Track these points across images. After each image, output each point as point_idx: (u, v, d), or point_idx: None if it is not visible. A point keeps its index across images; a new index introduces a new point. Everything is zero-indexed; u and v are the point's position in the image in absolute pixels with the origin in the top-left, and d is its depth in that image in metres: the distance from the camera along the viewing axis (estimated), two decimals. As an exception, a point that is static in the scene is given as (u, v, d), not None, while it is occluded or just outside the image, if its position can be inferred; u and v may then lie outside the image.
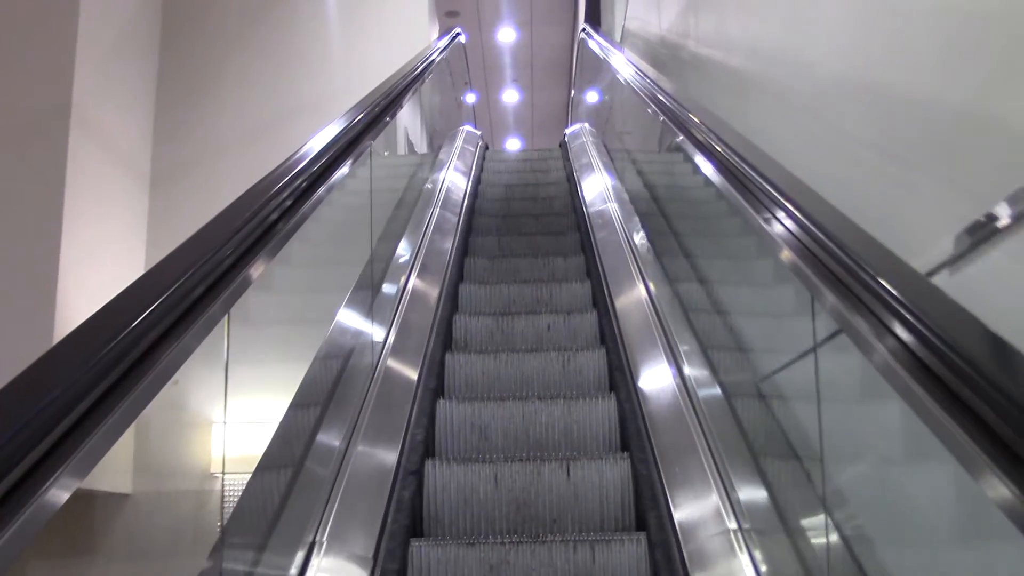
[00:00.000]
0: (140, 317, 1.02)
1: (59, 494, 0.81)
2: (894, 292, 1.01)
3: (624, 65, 4.08)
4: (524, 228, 4.12)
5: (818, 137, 2.37)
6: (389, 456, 2.07)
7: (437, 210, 3.96)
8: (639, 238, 3.39)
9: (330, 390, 1.99)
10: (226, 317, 1.28)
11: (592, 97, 6.82)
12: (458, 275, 3.51)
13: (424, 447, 2.20)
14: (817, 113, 2.41)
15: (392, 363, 2.43)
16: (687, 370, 2.27)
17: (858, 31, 2.20)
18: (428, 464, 2.09)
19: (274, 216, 1.56)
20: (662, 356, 2.45)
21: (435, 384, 2.54)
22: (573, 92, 8.45)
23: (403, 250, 3.20)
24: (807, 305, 1.39)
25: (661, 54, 5.00)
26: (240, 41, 5.47)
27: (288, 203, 1.66)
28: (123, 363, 0.97)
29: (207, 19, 5.46)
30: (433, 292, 3.11)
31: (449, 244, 3.68)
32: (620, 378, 2.51)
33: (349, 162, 2.20)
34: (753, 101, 3.11)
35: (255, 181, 1.65)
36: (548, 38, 11.45)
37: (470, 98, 8.15)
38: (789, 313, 1.67)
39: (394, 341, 2.56)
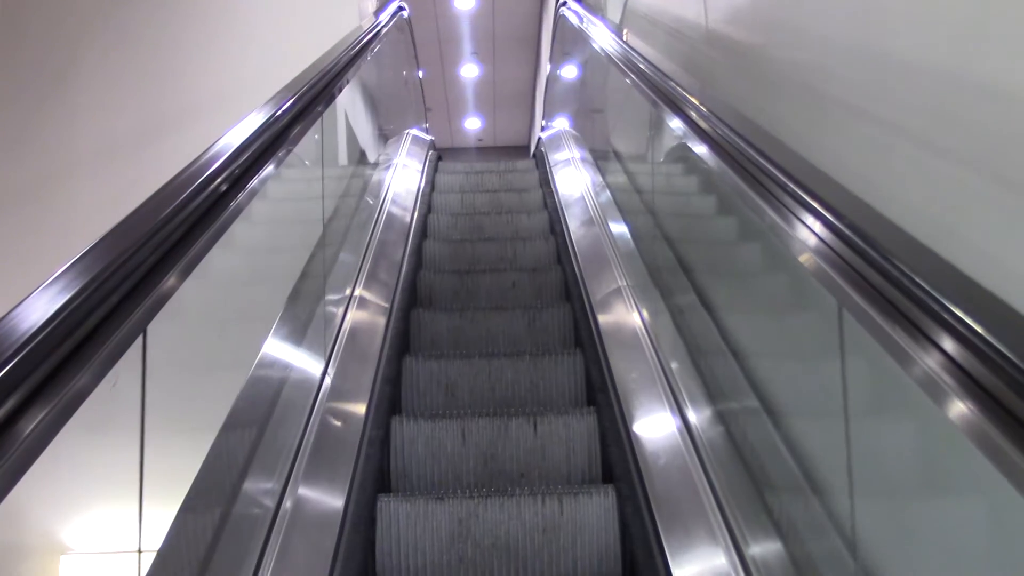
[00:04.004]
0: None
1: None
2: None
3: (638, 66, 3.09)
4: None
5: None
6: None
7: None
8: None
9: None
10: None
11: (575, 90, 6.34)
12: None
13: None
14: None
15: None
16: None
17: None
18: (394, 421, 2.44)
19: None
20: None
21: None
22: (547, 76, 8.17)
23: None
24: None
25: (706, 59, 3.54)
26: (106, 24, 4.65)
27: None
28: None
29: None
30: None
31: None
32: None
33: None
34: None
35: (121, 204, 1.48)
36: (511, 5, 11.53)
37: (420, 75, 7.90)
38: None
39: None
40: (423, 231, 4.32)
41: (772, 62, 2.79)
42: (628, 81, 3.29)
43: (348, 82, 3.45)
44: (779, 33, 2.76)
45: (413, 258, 3.79)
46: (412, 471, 2.44)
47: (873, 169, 1.97)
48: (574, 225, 4.04)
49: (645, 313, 2.89)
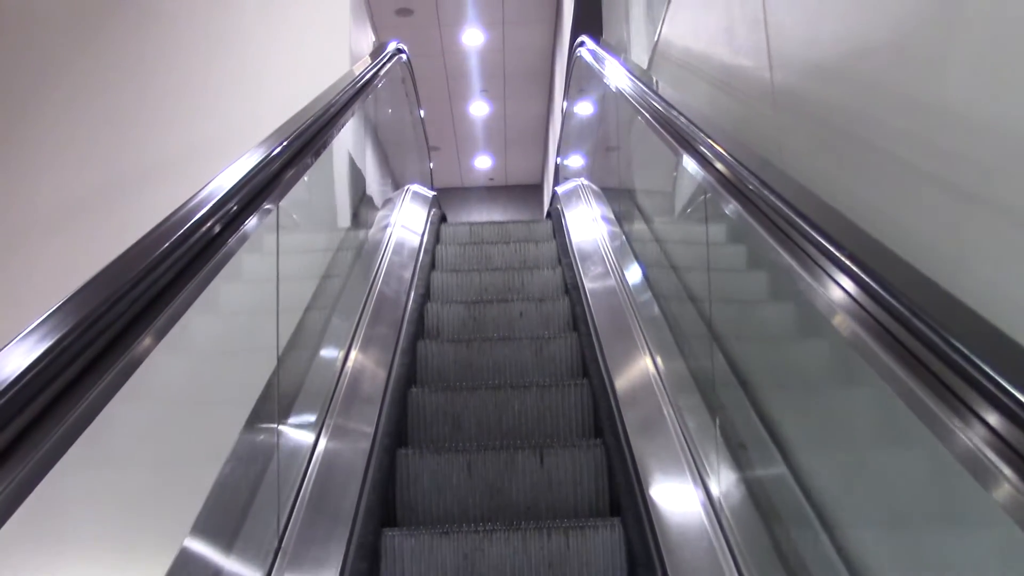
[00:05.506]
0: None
1: None
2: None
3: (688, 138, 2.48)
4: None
5: None
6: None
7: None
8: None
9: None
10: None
11: (593, 138, 6.08)
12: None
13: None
14: None
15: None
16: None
17: None
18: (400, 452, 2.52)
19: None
20: None
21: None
22: (562, 117, 7.96)
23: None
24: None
25: (771, 125, 2.80)
26: (66, 74, 4.29)
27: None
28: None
29: (21, 40, 4.18)
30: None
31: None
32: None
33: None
34: None
35: (80, 267, 1.32)
36: (523, 41, 11.69)
37: (422, 116, 7.67)
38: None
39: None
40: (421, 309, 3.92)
41: (876, 143, 2.15)
42: (684, 161, 2.65)
43: (325, 147, 2.92)
44: (896, 107, 2.07)
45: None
46: (417, 504, 2.51)
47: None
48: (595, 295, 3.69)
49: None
